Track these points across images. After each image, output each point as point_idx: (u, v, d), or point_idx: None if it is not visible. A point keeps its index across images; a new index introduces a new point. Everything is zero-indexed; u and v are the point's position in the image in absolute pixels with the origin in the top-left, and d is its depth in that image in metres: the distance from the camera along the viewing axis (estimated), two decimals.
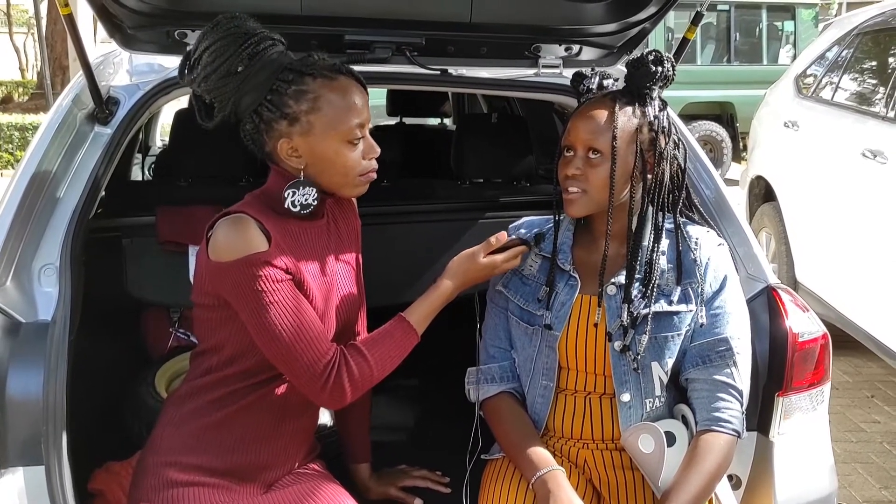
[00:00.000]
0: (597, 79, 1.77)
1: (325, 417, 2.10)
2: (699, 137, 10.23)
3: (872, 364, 4.40)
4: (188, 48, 1.60)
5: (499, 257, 1.70)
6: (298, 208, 1.60)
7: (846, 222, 4.01)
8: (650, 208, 1.71)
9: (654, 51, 1.71)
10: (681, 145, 1.75)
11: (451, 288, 1.68)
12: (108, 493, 1.91)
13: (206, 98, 1.60)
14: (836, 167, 4.18)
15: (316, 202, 1.61)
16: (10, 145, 11.14)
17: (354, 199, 1.83)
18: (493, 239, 1.70)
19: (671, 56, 1.72)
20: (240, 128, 1.62)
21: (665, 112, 1.72)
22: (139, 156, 3.97)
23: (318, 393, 1.57)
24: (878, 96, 4.13)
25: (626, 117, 1.68)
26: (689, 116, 10.19)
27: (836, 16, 13.36)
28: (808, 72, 5.03)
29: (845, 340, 4.07)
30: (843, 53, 4.69)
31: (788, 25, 10.76)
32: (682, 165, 1.75)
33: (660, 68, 1.68)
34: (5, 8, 19.54)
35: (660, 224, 1.72)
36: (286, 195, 1.59)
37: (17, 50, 20.26)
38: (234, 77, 1.55)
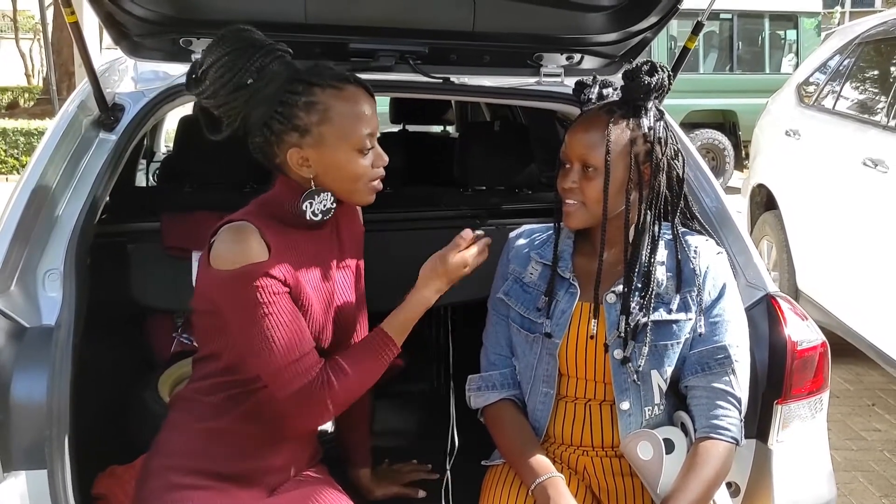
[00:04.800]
0: (597, 88, 1.78)
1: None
2: (702, 146, 10.24)
3: (873, 372, 4.40)
4: (194, 60, 1.61)
5: (468, 254, 1.67)
6: (320, 216, 1.62)
7: (847, 231, 4.02)
8: (648, 218, 1.72)
9: (649, 61, 1.71)
10: (680, 155, 1.76)
11: (427, 294, 1.66)
12: (112, 497, 1.92)
13: (213, 111, 1.60)
14: (837, 176, 4.19)
15: (335, 205, 1.63)
16: (16, 150, 11.19)
17: (359, 206, 1.84)
18: (460, 240, 1.67)
19: (666, 66, 1.73)
20: (249, 140, 1.62)
21: (661, 122, 1.72)
22: (144, 161, 3.98)
23: (300, 409, 1.58)
24: (880, 105, 4.13)
25: (620, 130, 1.69)
26: (691, 125, 10.20)
27: (838, 25, 13.38)
28: (810, 80, 5.04)
29: (846, 349, 4.07)
30: (845, 62, 4.70)
31: (791, 34, 10.77)
32: (681, 175, 1.75)
33: (654, 79, 1.69)
34: (12, 14, 19.61)
35: (657, 233, 1.73)
36: (304, 207, 1.60)
37: (23, 55, 20.36)
38: (244, 91, 1.55)
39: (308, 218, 1.61)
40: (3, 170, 11.21)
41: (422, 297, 1.66)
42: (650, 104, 1.73)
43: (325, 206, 1.62)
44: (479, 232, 1.73)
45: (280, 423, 1.68)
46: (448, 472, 1.81)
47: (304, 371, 1.56)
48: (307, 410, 1.58)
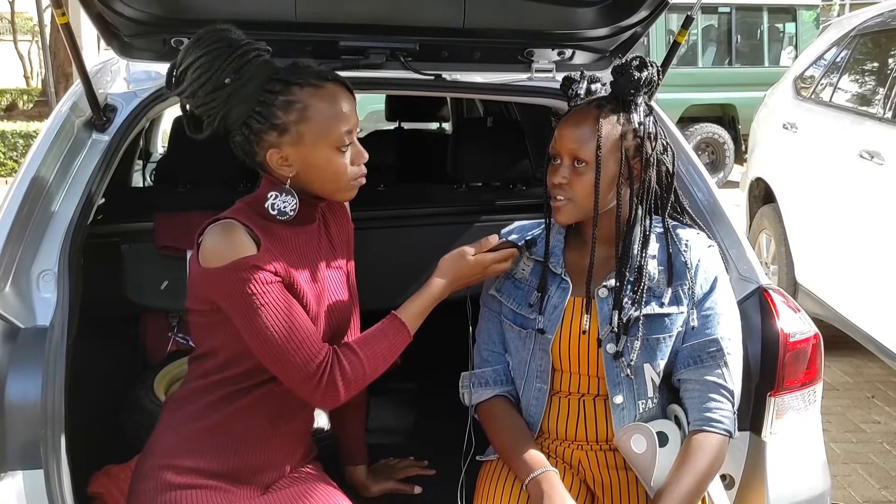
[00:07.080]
0: (585, 83, 1.78)
1: (321, 420, 2.12)
2: (701, 140, 10.24)
3: (873, 365, 4.40)
4: (172, 61, 1.60)
5: (489, 257, 1.71)
6: (276, 213, 1.62)
7: (845, 223, 4.02)
8: (639, 212, 1.72)
9: (638, 56, 1.72)
10: (669, 149, 1.76)
11: (442, 286, 1.69)
12: (107, 497, 1.93)
13: (193, 110, 1.61)
14: (834, 168, 4.19)
15: (294, 212, 1.63)
16: (15, 153, 11.22)
17: (347, 204, 1.84)
18: (484, 240, 1.72)
19: (655, 61, 1.73)
20: (229, 139, 1.63)
21: (651, 117, 1.73)
22: (140, 162, 3.99)
23: (312, 393, 1.59)
24: (876, 97, 4.13)
25: (611, 125, 1.69)
26: (690, 119, 10.21)
27: (837, 17, 13.36)
28: (807, 73, 5.04)
29: (845, 341, 4.08)
30: (842, 55, 4.69)
31: (790, 27, 10.76)
32: (671, 169, 1.76)
33: (644, 74, 1.69)
34: (10, 16, 19.63)
35: (647, 228, 1.73)
36: (269, 197, 1.62)
37: (21, 57, 20.38)
38: (222, 91, 1.55)
39: (265, 207, 1.61)
40: (1, 172, 11.23)
41: (434, 287, 1.69)
42: (640, 99, 1.73)
43: (284, 207, 1.62)
44: (506, 240, 1.76)
45: (277, 416, 1.69)
46: (463, 472, 1.82)
47: (310, 356, 1.56)
48: (319, 394, 1.58)
